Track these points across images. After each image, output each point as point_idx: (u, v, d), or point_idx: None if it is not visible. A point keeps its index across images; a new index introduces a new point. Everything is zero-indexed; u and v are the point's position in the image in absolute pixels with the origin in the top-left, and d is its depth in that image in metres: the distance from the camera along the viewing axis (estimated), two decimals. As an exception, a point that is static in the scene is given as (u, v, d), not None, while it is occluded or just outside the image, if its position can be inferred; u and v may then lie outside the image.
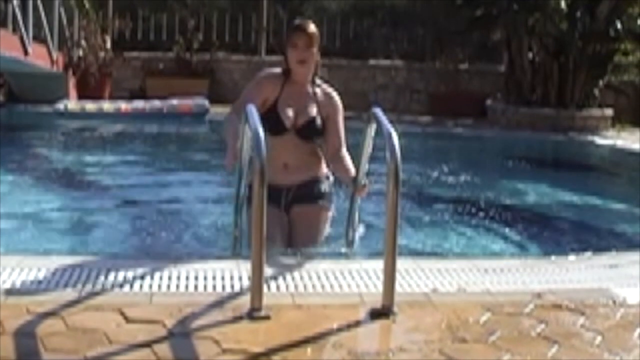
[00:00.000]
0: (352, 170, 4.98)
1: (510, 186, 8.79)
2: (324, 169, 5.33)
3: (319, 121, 5.21)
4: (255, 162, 3.65)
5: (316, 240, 5.23)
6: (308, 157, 5.26)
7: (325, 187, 5.31)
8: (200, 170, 9.50)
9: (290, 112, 5.14)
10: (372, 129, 4.64)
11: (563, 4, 15.28)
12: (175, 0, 19.62)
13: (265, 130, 4.06)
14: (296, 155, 5.19)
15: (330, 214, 5.34)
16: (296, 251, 5.00)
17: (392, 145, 3.85)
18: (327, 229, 5.31)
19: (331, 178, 5.34)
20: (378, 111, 4.31)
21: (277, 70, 5.31)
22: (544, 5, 14.88)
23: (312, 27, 5.17)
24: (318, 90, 5.30)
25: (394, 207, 3.75)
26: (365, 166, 4.91)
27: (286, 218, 5.25)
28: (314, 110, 5.21)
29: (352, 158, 5.08)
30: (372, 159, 4.92)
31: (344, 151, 5.19)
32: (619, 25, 14.92)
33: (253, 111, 4.10)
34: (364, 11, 19.48)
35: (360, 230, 5.39)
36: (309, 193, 5.24)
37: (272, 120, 5.01)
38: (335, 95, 5.35)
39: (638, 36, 15.38)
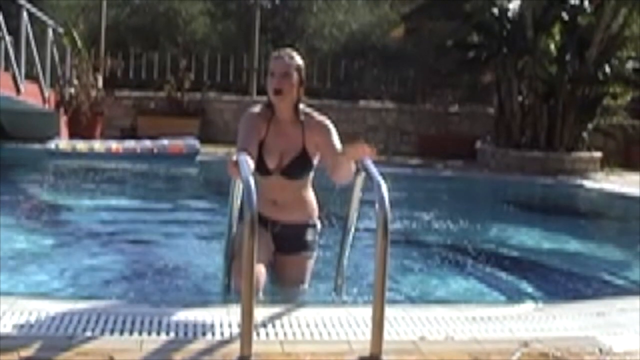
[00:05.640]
0: (353, 169, 4.67)
1: (499, 231, 8.80)
2: (315, 212, 5.19)
3: (306, 157, 4.99)
4: (246, 213, 3.68)
5: (303, 282, 5.17)
6: (298, 194, 5.09)
7: (310, 236, 5.17)
8: (190, 213, 9.48)
9: (275, 154, 4.96)
10: (361, 179, 4.67)
11: (552, 48, 15.45)
12: (166, 39, 19.77)
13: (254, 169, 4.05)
14: (284, 193, 5.04)
15: (313, 259, 5.24)
16: (285, 295, 5.01)
17: (382, 196, 3.89)
18: (311, 270, 5.24)
19: (318, 226, 5.23)
20: (368, 161, 4.35)
21: (258, 107, 5.07)
22: (534, 48, 15.03)
23: (290, 55, 4.93)
24: (306, 120, 5.00)
25: (383, 256, 3.79)
26: (354, 215, 4.94)
27: (272, 243, 5.09)
28: (299, 147, 4.98)
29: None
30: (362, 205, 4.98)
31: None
32: (607, 69, 15.08)
33: (245, 162, 4.14)
34: (355, 52, 19.64)
35: (349, 277, 5.37)
36: (293, 242, 5.12)
37: (258, 163, 4.86)
38: (325, 122, 5.00)
39: (627, 79, 15.56)
